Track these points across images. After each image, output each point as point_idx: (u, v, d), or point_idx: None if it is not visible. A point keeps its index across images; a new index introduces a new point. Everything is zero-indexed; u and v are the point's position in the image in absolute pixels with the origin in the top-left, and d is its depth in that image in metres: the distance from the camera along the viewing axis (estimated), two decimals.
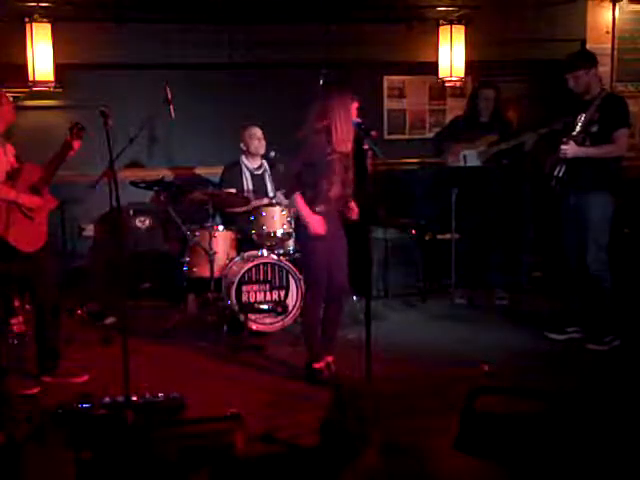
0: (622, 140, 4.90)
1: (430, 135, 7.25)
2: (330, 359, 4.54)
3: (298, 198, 4.38)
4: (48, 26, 6.17)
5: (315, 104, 4.39)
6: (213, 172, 6.51)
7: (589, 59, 5.04)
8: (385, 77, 7.43)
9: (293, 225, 5.27)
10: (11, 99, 4.43)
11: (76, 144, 4.33)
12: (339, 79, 6.09)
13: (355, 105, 4.34)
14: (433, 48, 6.99)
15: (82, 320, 5.83)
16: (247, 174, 6.14)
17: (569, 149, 4.91)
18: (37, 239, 4.37)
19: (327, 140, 4.32)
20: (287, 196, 4.51)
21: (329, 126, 4.30)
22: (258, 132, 6.11)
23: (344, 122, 4.28)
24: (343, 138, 4.30)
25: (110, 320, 5.70)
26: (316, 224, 4.34)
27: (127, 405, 3.63)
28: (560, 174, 4.99)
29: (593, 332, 5.04)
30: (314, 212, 4.37)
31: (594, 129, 4.91)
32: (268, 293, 5.49)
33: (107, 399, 3.75)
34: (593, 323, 5.05)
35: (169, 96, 5.88)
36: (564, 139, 4.96)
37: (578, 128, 4.94)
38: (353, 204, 4.51)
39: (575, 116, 4.99)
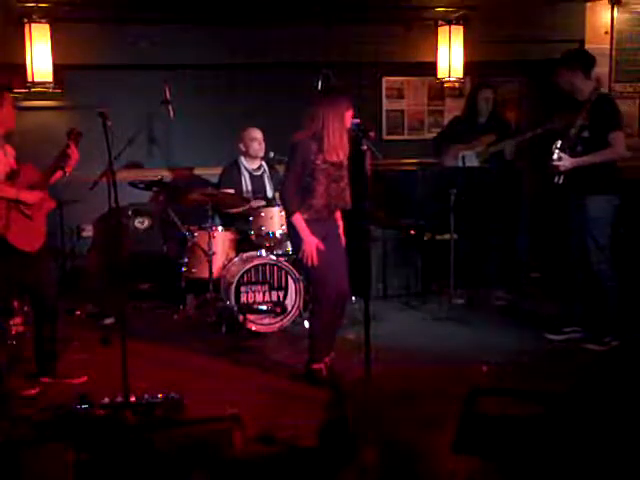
0: (618, 142, 4.85)
1: (429, 136, 7.26)
2: (329, 360, 4.54)
3: (298, 218, 4.31)
4: (47, 27, 6.15)
5: (309, 109, 4.30)
6: (212, 173, 6.50)
7: (576, 60, 4.95)
8: (384, 78, 7.45)
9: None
10: (14, 104, 4.41)
11: (73, 152, 4.32)
12: (338, 81, 6.08)
13: (350, 113, 4.24)
14: (432, 49, 6.98)
15: (81, 321, 5.83)
16: (246, 175, 6.13)
17: (562, 165, 4.91)
18: (36, 239, 4.36)
19: (317, 148, 4.23)
20: (287, 216, 4.44)
21: (321, 133, 4.21)
22: (259, 135, 6.07)
23: (337, 129, 4.18)
24: (335, 146, 4.21)
25: (109, 321, 5.69)
26: (311, 248, 4.28)
27: (126, 406, 3.63)
28: (560, 182, 4.99)
29: (594, 332, 5.04)
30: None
31: (585, 134, 4.90)
32: (267, 294, 5.48)
33: (106, 400, 3.74)
34: (594, 323, 5.05)
35: (168, 97, 5.89)
36: (555, 153, 4.94)
37: (572, 133, 4.93)
38: (339, 215, 4.51)
39: (570, 118, 4.97)
